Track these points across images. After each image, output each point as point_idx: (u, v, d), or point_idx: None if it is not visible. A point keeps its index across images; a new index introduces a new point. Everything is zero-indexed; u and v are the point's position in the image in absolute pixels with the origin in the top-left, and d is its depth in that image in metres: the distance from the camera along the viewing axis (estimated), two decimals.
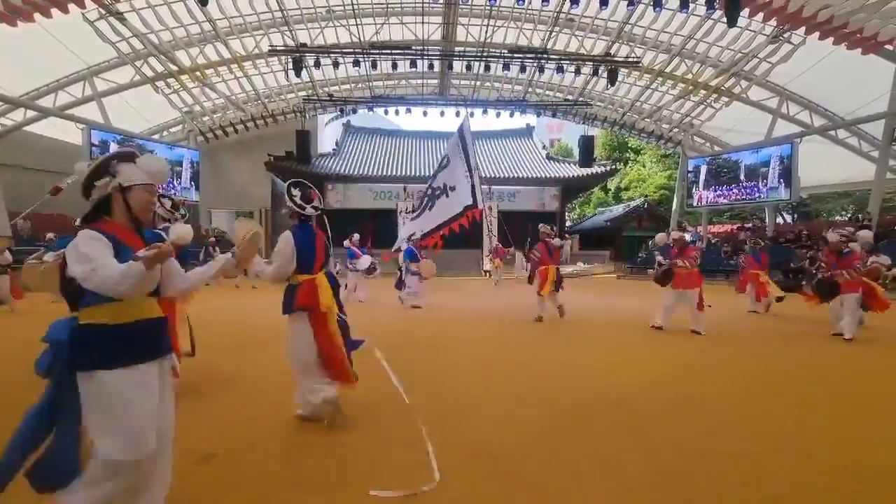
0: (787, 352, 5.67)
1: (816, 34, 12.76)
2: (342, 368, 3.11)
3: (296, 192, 3.22)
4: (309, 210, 3.22)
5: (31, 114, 15.99)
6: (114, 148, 17.35)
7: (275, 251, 3.09)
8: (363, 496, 2.27)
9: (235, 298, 11.30)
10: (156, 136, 20.35)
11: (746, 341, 6.30)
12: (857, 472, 2.54)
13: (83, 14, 13.18)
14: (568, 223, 32.80)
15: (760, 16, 13.19)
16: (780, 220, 24.31)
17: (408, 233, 9.95)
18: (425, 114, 20.35)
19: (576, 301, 11.03)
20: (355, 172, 24.15)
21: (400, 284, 9.90)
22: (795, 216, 27.85)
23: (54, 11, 11.85)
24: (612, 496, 2.27)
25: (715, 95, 17.94)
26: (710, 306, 7.09)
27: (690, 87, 18.07)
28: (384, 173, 24.23)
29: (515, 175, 24.94)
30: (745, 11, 12.73)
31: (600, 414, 3.39)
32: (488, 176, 24.58)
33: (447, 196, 9.77)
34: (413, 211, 10.64)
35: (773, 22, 13.52)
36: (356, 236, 10.54)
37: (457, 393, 3.88)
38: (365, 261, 9.46)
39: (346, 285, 10.11)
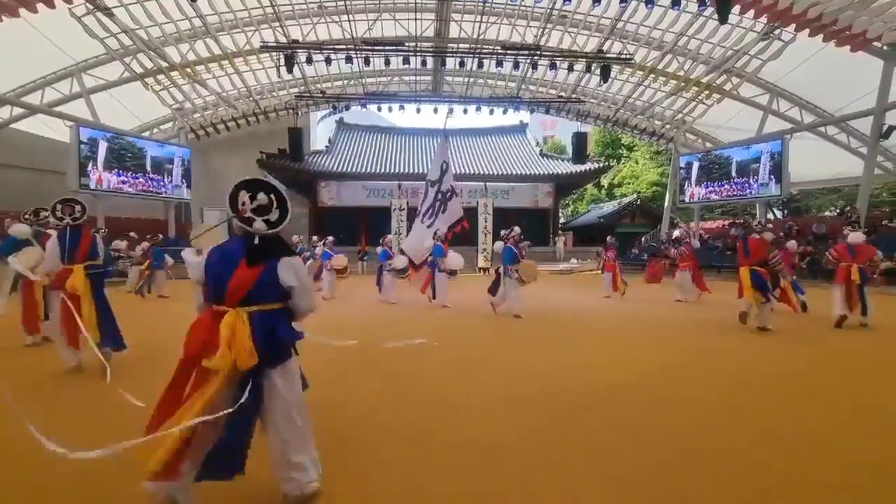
0: (777, 347, 5.74)
1: (806, 31, 12.89)
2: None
3: (59, 205, 4.41)
4: (67, 220, 4.35)
5: (17, 111, 15.74)
6: (103, 146, 17.17)
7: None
8: (359, 490, 2.28)
9: None
10: (146, 134, 20.12)
11: (737, 337, 6.35)
12: (846, 466, 2.58)
13: (70, 9, 12.98)
14: (561, 220, 32.90)
15: (751, 13, 13.30)
16: (770, 215, 24.55)
17: (425, 237, 10.00)
18: (418, 111, 20.24)
19: (568, 298, 11.08)
20: (348, 170, 24.06)
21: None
22: (786, 212, 28.14)
23: (40, 6, 11.67)
24: (606, 493, 2.30)
25: (706, 92, 18.05)
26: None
27: (682, 84, 18.16)
28: (378, 170, 24.17)
29: (509, 172, 24.98)
30: (736, 8, 12.81)
31: (593, 411, 3.41)
32: (482, 173, 24.65)
33: (457, 196, 10.26)
34: (423, 215, 10.66)
35: (763, 19, 13.62)
36: (389, 237, 10.78)
37: (449, 392, 3.89)
38: (400, 261, 9.50)
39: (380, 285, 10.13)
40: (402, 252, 10.54)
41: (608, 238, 12.06)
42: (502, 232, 8.23)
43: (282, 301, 2.13)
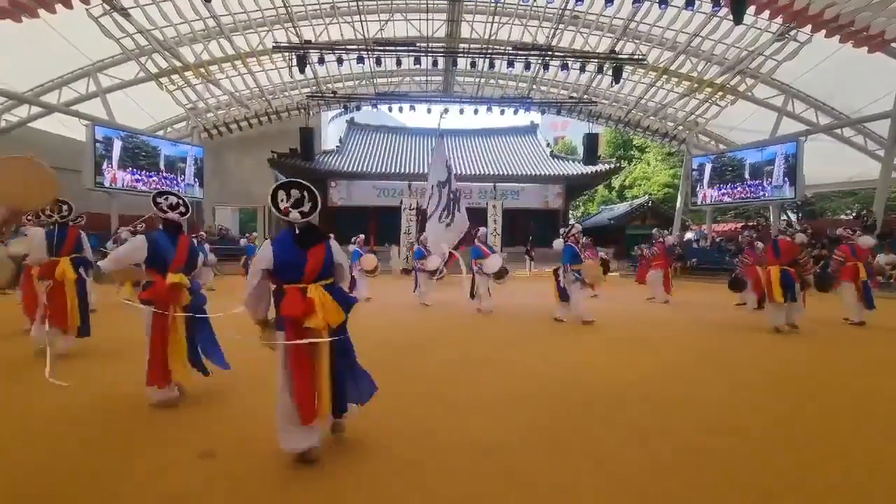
0: (778, 347, 5.73)
1: (822, 32, 12.68)
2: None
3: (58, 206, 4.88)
4: (55, 218, 4.87)
5: (35, 110, 16.03)
6: (118, 145, 17.42)
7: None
8: (361, 489, 2.29)
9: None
10: (160, 133, 20.39)
11: (738, 337, 6.36)
12: (849, 468, 2.57)
13: (87, 10, 13.19)
14: (571, 221, 32.73)
15: (766, 13, 13.11)
16: (784, 218, 24.22)
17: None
18: (429, 111, 20.25)
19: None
20: (359, 169, 24.14)
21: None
22: (800, 215, 27.72)
23: (58, 7, 11.86)
24: (608, 493, 2.30)
25: (720, 93, 17.85)
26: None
27: (695, 85, 17.98)
28: (388, 170, 24.22)
29: (519, 173, 24.90)
30: (751, 9, 12.65)
31: (596, 412, 3.42)
32: (492, 174, 24.61)
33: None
34: (439, 215, 10.50)
35: (779, 19, 13.43)
36: (424, 235, 10.13)
37: (453, 391, 3.90)
38: (433, 261, 9.09)
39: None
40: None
41: (584, 240, 12.11)
42: (562, 230, 7.62)
43: (332, 277, 2.69)
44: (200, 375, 3.64)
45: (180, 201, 3.72)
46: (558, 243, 7.50)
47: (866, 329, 6.93)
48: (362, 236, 10.64)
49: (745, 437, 2.96)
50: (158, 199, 3.57)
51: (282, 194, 2.62)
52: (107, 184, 17.04)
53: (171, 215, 3.58)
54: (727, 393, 3.90)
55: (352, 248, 10.20)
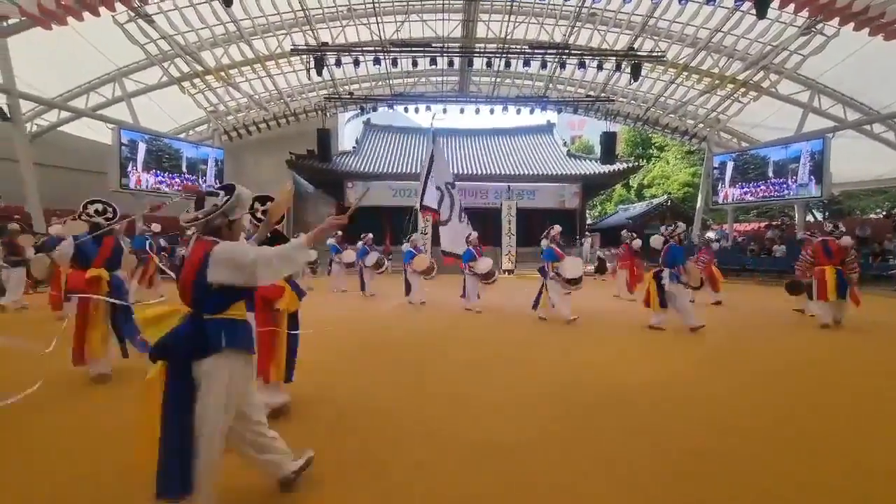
0: (787, 348, 5.66)
1: (851, 25, 12.29)
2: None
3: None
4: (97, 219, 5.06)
5: (64, 114, 16.55)
6: (142, 147, 17.87)
7: None
8: (373, 492, 2.31)
9: None
10: (182, 136, 20.82)
11: (743, 338, 6.27)
12: (851, 470, 2.54)
13: (113, 17, 13.56)
14: (589, 221, 32.41)
15: (791, 7, 12.75)
16: (810, 217, 23.56)
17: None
18: (445, 111, 20.27)
19: (585, 299, 10.91)
20: (375, 170, 24.31)
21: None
22: (826, 214, 26.96)
23: (86, 14, 12.21)
24: (609, 493, 2.30)
25: (742, 90, 17.44)
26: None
27: (717, 82, 17.60)
28: (404, 171, 24.34)
29: (535, 172, 24.77)
30: (776, 3, 12.33)
31: (604, 413, 3.42)
32: (508, 173, 24.53)
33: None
34: (458, 215, 10.58)
35: (804, 13, 13.06)
36: (474, 235, 9.20)
37: (462, 391, 3.92)
38: (485, 263, 8.44)
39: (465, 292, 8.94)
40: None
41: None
42: (662, 228, 7.11)
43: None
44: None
45: (108, 208, 4.23)
46: (656, 240, 6.86)
47: (876, 327, 6.97)
48: (415, 237, 10.33)
49: (746, 438, 2.95)
50: (88, 206, 4.12)
51: (257, 205, 3.25)
52: (132, 185, 17.48)
53: (96, 219, 4.12)
54: (728, 393, 3.90)
55: (405, 247, 9.95)
